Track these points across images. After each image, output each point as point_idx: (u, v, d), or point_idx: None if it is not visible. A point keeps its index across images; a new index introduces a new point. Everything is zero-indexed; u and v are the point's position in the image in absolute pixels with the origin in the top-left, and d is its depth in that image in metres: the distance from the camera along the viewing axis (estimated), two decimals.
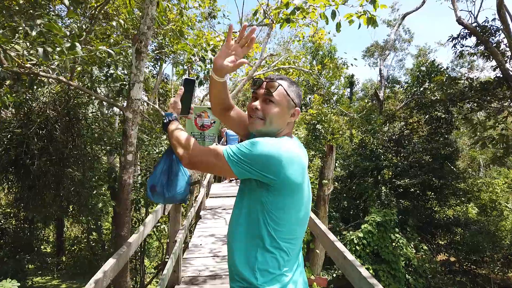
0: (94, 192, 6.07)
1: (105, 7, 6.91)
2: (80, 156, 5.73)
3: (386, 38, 30.21)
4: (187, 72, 6.92)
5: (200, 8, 11.76)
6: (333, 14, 5.30)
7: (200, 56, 5.62)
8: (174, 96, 1.77)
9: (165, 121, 1.64)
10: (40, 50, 3.07)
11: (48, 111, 4.99)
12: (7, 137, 5.05)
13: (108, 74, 5.68)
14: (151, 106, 14.88)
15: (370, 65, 32.78)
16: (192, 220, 6.83)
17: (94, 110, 6.42)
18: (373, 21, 5.56)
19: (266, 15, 6.75)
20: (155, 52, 14.00)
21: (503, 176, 19.92)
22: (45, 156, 5.13)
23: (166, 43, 11.21)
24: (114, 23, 5.08)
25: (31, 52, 3.31)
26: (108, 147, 7.05)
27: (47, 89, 5.06)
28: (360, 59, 32.72)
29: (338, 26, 5.50)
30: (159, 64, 16.53)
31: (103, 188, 6.60)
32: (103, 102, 8.84)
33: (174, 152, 1.51)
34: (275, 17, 6.69)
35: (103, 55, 3.89)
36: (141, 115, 13.56)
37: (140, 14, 3.70)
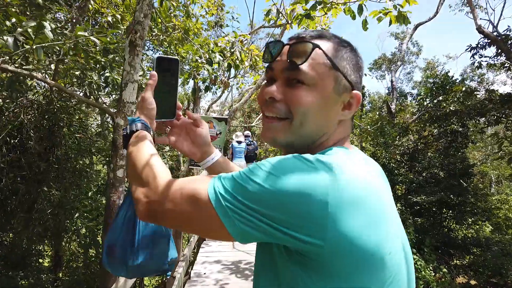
0: (76, 215, 5.22)
1: (110, 14, 6.32)
2: (61, 171, 4.84)
3: (394, 51, 29.79)
4: (191, 76, 6.27)
5: (207, 16, 11.26)
6: (360, 9, 4.67)
7: (207, 57, 4.97)
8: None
9: (124, 132, 0.98)
10: (10, 39, 2.41)
11: (23, 116, 4.20)
12: None
13: (103, 78, 5.05)
14: None
15: (377, 78, 32.24)
16: (194, 245, 6.09)
17: (82, 115, 5.60)
18: (404, 17, 4.92)
19: (281, 15, 6.11)
20: None
21: None
22: (15, 171, 4.26)
23: (172, 51, 10.68)
24: (109, 18, 4.44)
25: None
26: (103, 159, 6.36)
27: (25, 91, 4.30)
28: (366, 71, 32.11)
29: (365, 23, 4.86)
30: None
31: (88, 208, 5.70)
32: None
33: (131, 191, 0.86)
34: (289, 16, 6.06)
35: (96, 55, 3.25)
36: None
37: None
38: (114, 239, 1.09)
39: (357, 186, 0.65)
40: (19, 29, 2.18)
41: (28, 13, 3.80)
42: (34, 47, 2.28)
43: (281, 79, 0.80)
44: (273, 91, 0.79)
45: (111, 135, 11.03)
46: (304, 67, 0.76)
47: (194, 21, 8.45)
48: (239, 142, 10.03)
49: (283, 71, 0.79)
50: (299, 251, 0.64)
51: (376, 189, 0.69)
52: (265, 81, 0.86)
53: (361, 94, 0.83)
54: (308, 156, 0.68)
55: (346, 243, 0.61)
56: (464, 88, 12.18)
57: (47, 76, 3.95)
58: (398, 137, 14.52)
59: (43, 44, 2.30)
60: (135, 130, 0.95)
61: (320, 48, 0.77)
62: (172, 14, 7.39)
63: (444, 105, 13.44)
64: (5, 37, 2.45)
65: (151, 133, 0.98)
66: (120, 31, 5.56)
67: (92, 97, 6.00)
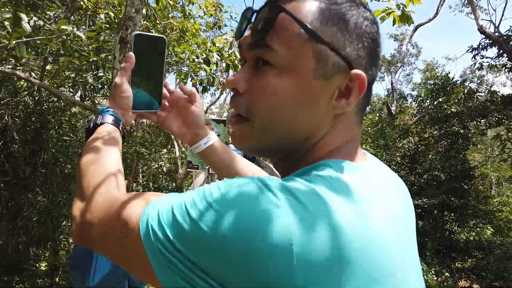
0: (64, 222, 4.98)
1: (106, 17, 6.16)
2: (48, 176, 4.61)
3: (393, 52, 29.77)
4: (188, 77, 6.12)
5: (205, 17, 11.14)
6: None
7: (204, 57, 4.81)
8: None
9: (88, 125, 0.79)
10: None
11: (7, 118, 3.99)
12: None
13: (98, 78, 4.89)
14: None
15: (377, 80, 32.14)
16: None
17: (71, 117, 5.39)
18: (408, 17, 4.78)
19: None
20: None
21: None
22: None
23: (169, 53, 10.53)
24: (102, 16, 4.29)
25: None
26: None
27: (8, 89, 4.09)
28: None
29: None
30: None
31: None
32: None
33: None
34: None
35: (87, 50, 3.08)
36: (141, 128, 12.81)
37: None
38: (77, 252, 0.96)
39: (345, 239, 0.42)
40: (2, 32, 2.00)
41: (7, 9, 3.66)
42: (14, 42, 2.12)
43: (249, 62, 0.58)
44: (233, 80, 0.57)
45: None
46: (274, 42, 0.52)
47: (192, 21, 8.31)
48: None
49: (249, 50, 0.56)
50: None
51: (379, 241, 0.45)
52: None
53: (369, 74, 0.56)
54: (274, 185, 0.45)
55: None
56: (466, 90, 12.06)
57: (33, 74, 3.77)
58: (398, 139, 14.42)
59: (24, 39, 2.14)
60: (99, 124, 0.75)
61: (287, 12, 0.52)
62: (170, 15, 7.25)
63: (445, 106, 13.33)
64: None
65: (121, 127, 0.79)
66: (114, 31, 5.41)
67: (87, 98, 5.84)
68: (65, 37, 2.53)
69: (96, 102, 10.57)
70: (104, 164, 0.67)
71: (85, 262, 0.95)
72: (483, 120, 12.83)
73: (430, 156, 13.98)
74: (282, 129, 0.56)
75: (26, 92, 4.32)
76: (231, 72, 9.92)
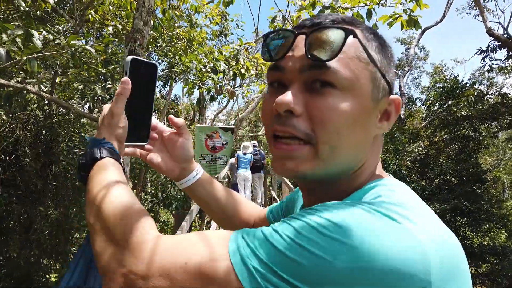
0: (75, 235, 4.96)
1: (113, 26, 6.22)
2: (60, 189, 4.57)
3: (401, 56, 29.67)
4: (196, 86, 6.14)
5: (211, 25, 11.22)
6: (369, 14, 4.50)
7: (212, 66, 4.82)
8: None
9: (83, 160, 0.68)
10: (2, 50, 2.27)
11: (19, 132, 4.02)
12: None
13: (106, 89, 4.93)
14: None
15: None
16: None
17: (81, 129, 5.40)
18: (415, 22, 4.74)
19: (286, 21, 5.97)
20: (165, 71, 13.45)
21: None
22: (10, 190, 4.01)
23: (176, 62, 10.60)
24: (110, 28, 4.33)
25: None
26: None
27: (23, 105, 4.12)
28: None
29: (374, 28, 4.68)
30: (168, 83, 16.09)
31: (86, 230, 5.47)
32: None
33: (93, 250, 0.57)
34: (295, 23, 5.91)
35: (96, 63, 3.11)
36: None
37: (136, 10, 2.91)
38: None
39: (451, 246, 0.46)
40: (4, 37, 2.02)
41: (17, 23, 3.71)
42: (25, 58, 2.13)
43: (298, 83, 0.55)
44: (289, 101, 0.53)
45: None
46: (334, 63, 0.53)
47: (198, 30, 8.37)
48: (245, 153, 9.83)
49: (302, 71, 0.55)
50: None
51: (459, 245, 0.49)
52: (268, 88, 0.61)
53: (400, 98, 0.60)
54: (374, 205, 0.46)
55: None
56: (475, 93, 11.92)
57: (42, 87, 3.81)
58: (408, 143, 14.28)
59: (35, 55, 2.16)
60: (99, 158, 0.66)
61: (355, 36, 0.54)
62: (176, 25, 7.30)
63: (455, 109, 13.19)
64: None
65: (121, 162, 0.70)
66: (123, 43, 5.46)
67: (96, 110, 5.88)
68: (74, 51, 2.54)
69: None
70: (128, 202, 0.59)
71: None
72: (494, 123, 12.67)
73: (441, 160, 13.81)
74: (348, 149, 0.55)
75: (36, 105, 4.35)
76: (238, 80, 9.91)
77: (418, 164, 13.91)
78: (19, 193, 4.00)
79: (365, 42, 0.56)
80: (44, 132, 4.24)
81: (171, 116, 0.87)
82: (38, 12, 3.28)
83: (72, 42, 2.42)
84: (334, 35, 0.53)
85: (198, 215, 6.18)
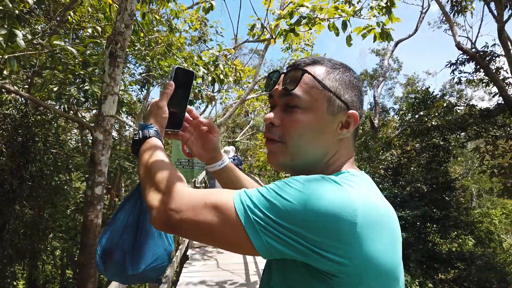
0: (51, 235, 4.89)
1: (90, 29, 6.16)
2: (35, 189, 4.53)
3: (376, 67, 30.45)
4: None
5: (190, 31, 11.25)
6: (344, 25, 4.68)
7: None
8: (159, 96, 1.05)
9: (137, 137, 0.95)
10: None
11: None
12: None
13: (82, 92, 4.89)
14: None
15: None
16: (177, 265, 5.86)
17: (59, 129, 5.31)
18: (387, 34, 4.95)
19: (265, 29, 6.10)
20: (142, 75, 13.34)
21: (500, 206, 19.60)
22: None
23: (154, 66, 10.54)
24: (90, 30, 4.32)
25: None
26: (82, 176, 6.11)
27: None
28: None
29: (349, 39, 4.87)
30: (146, 87, 15.92)
31: (64, 228, 5.35)
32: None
33: (143, 197, 0.84)
34: (273, 31, 6.05)
35: (74, 64, 3.11)
36: (125, 141, 12.70)
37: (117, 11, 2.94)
38: (113, 244, 1.02)
39: (381, 208, 0.70)
40: None
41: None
42: (6, 57, 2.14)
43: (279, 105, 0.86)
44: (271, 117, 0.85)
45: (85, 147, 10.70)
46: (297, 92, 0.81)
47: (178, 35, 8.39)
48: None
49: (280, 98, 0.85)
50: (323, 269, 0.66)
51: (393, 213, 0.74)
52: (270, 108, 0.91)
53: (358, 113, 0.84)
54: (334, 177, 0.72)
55: (371, 263, 0.65)
56: (445, 104, 12.41)
57: (22, 89, 3.76)
58: (381, 151, 14.65)
59: (16, 54, 2.17)
60: (148, 136, 0.93)
61: (309, 73, 0.82)
62: (155, 29, 7.31)
63: (426, 119, 13.67)
64: None
65: (162, 142, 0.97)
66: (101, 45, 5.43)
67: (71, 112, 5.80)
68: (54, 51, 2.56)
69: (80, 115, 10.46)
70: (170, 167, 0.85)
71: (124, 254, 1.03)
72: (462, 133, 13.19)
73: (412, 168, 14.22)
74: (307, 149, 0.82)
75: (11, 105, 4.28)
76: (216, 85, 9.96)
77: (391, 172, 14.29)
78: None
79: (324, 75, 0.83)
80: (20, 131, 4.18)
81: (200, 119, 1.12)
82: (16, 12, 3.25)
83: (55, 42, 2.44)
84: (295, 74, 0.82)
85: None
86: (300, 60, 0.87)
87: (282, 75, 0.86)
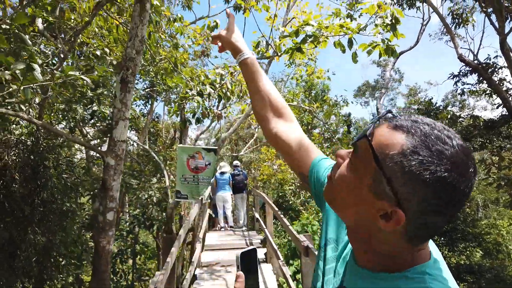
0: (63, 262, 4.86)
1: (95, 45, 6.23)
2: (47, 214, 4.52)
3: (377, 78, 30.59)
4: (181, 108, 6.18)
5: (193, 45, 11.36)
6: (350, 43, 4.71)
7: (198, 90, 4.90)
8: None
9: None
10: None
11: (7, 157, 3.98)
12: None
13: (91, 112, 4.93)
14: (141, 147, 14.10)
15: (361, 104, 32.92)
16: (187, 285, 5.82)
17: (69, 153, 5.35)
18: (392, 51, 4.98)
19: (270, 46, 6.15)
20: (146, 90, 13.42)
21: (507, 217, 19.40)
22: None
23: (158, 81, 10.61)
24: (98, 52, 4.37)
25: None
26: (88, 194, 6.11)
27: (10, 129, 4.09)
28: (351, 98, 32.88)
29: (354, 56, 4.89)
30: (150, 102, 16.01)
31: (75, 254, 5.30)
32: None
33: None
34: (278, 48, 6.10)
35: (83, 88, 3.13)
36: (129, 156, 12.70)
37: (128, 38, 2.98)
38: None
39: None
40: (7, 72, 2.06)
41: (12, 46, 3.70)
42: (22, 88, 2.17)
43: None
44: (342, 154, 0.77)
45: (94, 167, 10.70)
46: (358, 150, 0.70)
47: (181, 51, 8.46)
48: (222, 173, 9.83)
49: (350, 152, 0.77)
50: None
51: None
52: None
53: (404, 214, 0.65)
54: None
55: None
56: (449, 116, 12.42)
57: (31, 111, 3.78)
58: None
59: (32, 85, 2.20)
60: None
61: (369, 143, 0.66)
62: (159, 45, 7.38)
63: None
64: None
65: None
66: (106, 63, 5.47)
67: (77, 129, 5.81)
68: (68, 79, 2.59)
69: (85, 132, 10.50)
70: None
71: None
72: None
73: None
74: (340, 196, 0.74)
75: (24, 131, 4.32)
76: (223, 103, 9.98)
77: None
78: (7, 220, 3.91)
79: (390, 151, 0.63)
80: (32, 157, 4.20)
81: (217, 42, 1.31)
82: (27, 36, 3.30)
83: (70, 72, 2.47)
84: (362, 141, 0.68)
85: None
86: (398, 118, 0.68)
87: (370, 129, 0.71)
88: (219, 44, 1.31)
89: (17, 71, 2.02)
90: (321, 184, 0.98)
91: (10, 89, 2.14)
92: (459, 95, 13.60)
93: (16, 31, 2.90)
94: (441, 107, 14.90)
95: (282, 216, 4.92)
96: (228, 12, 1.34)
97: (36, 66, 2.07)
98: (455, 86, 12.66)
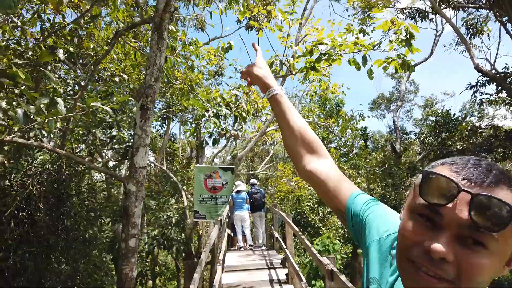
0: None
1: (112, 68, 6.42)
2: (70, 242, 4.55)
3: (392, 90, 30.35)
4: (198, 130, 6.25)
5: (208, 66, 11.55)
6: (364, 60, 4.70)
7: (215, 111, 4.95)
8: None
9: None
10: (20, 111, 2.36)
11: (31, 187, 4.07)
12: None
13: (111, 136, 5.02)
14: (158, 167, 14.23)
15: (377, 117, 32.61)
16: None
17: (90, 181, 5.43)
18: (408, 66, 4.95)
19: (284, 66, 6.19)
20: (163, 111, 13.63)
21: None
22: (24, 247, 3.98)
23: (174, 102, 10.78)
24: (117, 79, 4.47)
25: (9, 113, 2.59)
26: (108, 218, 6.16)
27: (34, 157, 4.21)
28: (366, 111, 32.61)
29: (370, 72, 4.88)
30: (166, 123, 16.24)
31: (99, 283, 5.29)
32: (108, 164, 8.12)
33: None
34: (292, 67, 6.13)
35: (101, 114, 3.21)
36: (147, 178, 12.82)
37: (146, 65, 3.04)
38: None
39: None
40: (32, 107, 2.14)
41: (35, 74, 3.84)
42: (46, 120, 2.23)
43: (450, 233, 0.63)
44: (444, 253, 0.62)
45: (114, 188, 10.84)
46: (498, 235, 0.60)
47: (196, 72, 8.61)
48: (238, 192, 9.79)
49: (460, 227, 0.62)
50: None
51: None
52: (411, 214, 0.70)
53: None
54: None
55: None
56: (469, 127, 12.18)
57: (52, 137, 3.87)
58: (406, 177, 14.37)
59: (55, 117, 2.27)
60: None
61: None
62: (174, 67, 7.52)
63: (450, 143, 13.42)
64: (16, 110, 2.40)
65: None
66: (125, 90, 5.59)
67: (96, 153, 5.90)
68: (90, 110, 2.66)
69: (103, 154, 10.68)
70: None
71: None
72: (489, 155, 12.86)
73: None
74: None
75: (46, 157, 4.42)
76: (238, 124, 10.06)
77: None
78: (32, 250, 3.96)
79: None
80: (55, 186, 4.29)
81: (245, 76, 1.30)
82: (49, 68, 3.40)
83: (92, 104, 2.54)
84: (504, 212, 0.58)
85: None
86: (483, 169, 0.65)
87: (468, 197, 0.62)
88: (248, 79, 1.30)
89: (42, 105, 2.09)
90: (359, 221, 0.95)
91: (35, 123, 2.20)
92: (478, 105, 13.34)
93: (41, 68, 3.00)
94: (459, 118, 14.66)
95: (303, 237, 4.84)
96: (255, 47, 1.35)
97: (59, 100, 2.14)
98: (473, 96, 12.45)
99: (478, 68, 11.51)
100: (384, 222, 0.88)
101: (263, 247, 9.98)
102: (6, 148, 3.32)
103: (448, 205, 0.63)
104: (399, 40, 4.80)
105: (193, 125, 6.36)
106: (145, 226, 15.97)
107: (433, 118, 15.76)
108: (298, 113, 1.20)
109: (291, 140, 1.16)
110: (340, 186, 1.03)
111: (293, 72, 6.18)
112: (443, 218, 0.64)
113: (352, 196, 1.00)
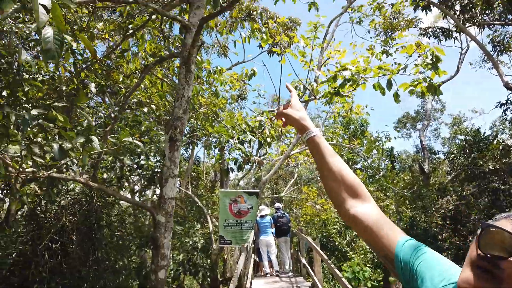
0: None
1: (139, 96, 6.65)
2: (101, 273, 4.61)
3: (417, 108, 29.80)
4: (223, 157, 6.31)
5: (231, 90, 11.74)
6: (389, 84, 4.66)
7: (240, 138, 5.00)
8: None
9: None
10: (56, 146, 2.45)
11: (64, 218, 4.18)
12: (13, 255, 3.97)
13: (139, 164, 5.13)
14: (183, 192, 14.35)
15: (403, 136, 31.96)
16: None
17: (119, 209, 5.54)
18: (435, 88, 4.87)
19: (307, 90, 6.22)
20: (187, 136, 13.86)
21: None
22: (57, 278, 3.98)
23: (198, 126, 10.96)
24: (145, 109, 4.60)
25: (46, 148, 2.70)
26: (137, 242, 6.22)
27: (66, 189, 4.35)
28: (391, 131, 32.02)
29: (396, 96, 4.83)
30: (191, 147, 16.46)
31: None
32: (134, 192, 8.29)
33: None
34: (316, 92, 6.14)
35: (131, 146, 3.29)
36: None
37: (174, 97, 3.13)
38: None
39: None
40: (68, 145, 2.23)
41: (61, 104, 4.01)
42: (81, 156, 2.32)
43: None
44: None
45: (141, 214, 10.99)
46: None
47: (220, 97, 8.75)
48: (263, 216, 9.70)
49: None
50: None
51: None
52: (474, 266, 0.72)
53: None
54: None
55: None
56: (501, 146, 11.76)
57: (81, 170, 4.00)
58: (436, 199, 13.89)
59: (90, 153, 2.35)
60: None
61: None
62: (199, 93, 7.69)
63: (482, 163, 12.94)
64: (52, 144, 2.50)
65: None
66: (151, 116, 5.72)
67: (124, 180, 6.04)
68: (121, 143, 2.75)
69: (130, 180, 10.89)
70: None
71: None
72: None
73: (473, 216, 13.28)
74: None
75: (77, 187, 4.56)
76: (262, 148, 10.10)
77: (449, 221, 13.40)
78: (64, 282, 4.04)
79: None
80: (87, 217, 4.39)
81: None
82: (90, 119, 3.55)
83: (124, 139, 2.63)
84: None
85: None
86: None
87: None
88: (283, 119, 1.29)
89: (77, 144, 2.18)
90: (409, 269, 0.92)
91: (70, 159, 2.29)
92: (509, 123, 12.90)
93: (78, 109, 3.13)
94: (490, 137, 14.18)
95: (332, 265, 4.72)
96: (289, 87, 1.35)
97: (94, 138, 2.23)
98: (504, 114, 12.07)
99: (507, 86, 11.21)
100: (439, 272, 0.86)
101: (290, 273, 9.77)
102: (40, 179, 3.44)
103: (510, 258, 0.65)
104: (425, 63, 4.75)
105: (218, 151, 6.42)
106: (171, 251, 16.01)
107: (462, 137, 15.32)
108: (337, 154, 1.18)
109: (332, 183, 1.13)
110: (386, 232, 1.01)
111: (317, 97, 6.19)
112: (504, 272, 0.66)
113: (400, 243, 0.98)
